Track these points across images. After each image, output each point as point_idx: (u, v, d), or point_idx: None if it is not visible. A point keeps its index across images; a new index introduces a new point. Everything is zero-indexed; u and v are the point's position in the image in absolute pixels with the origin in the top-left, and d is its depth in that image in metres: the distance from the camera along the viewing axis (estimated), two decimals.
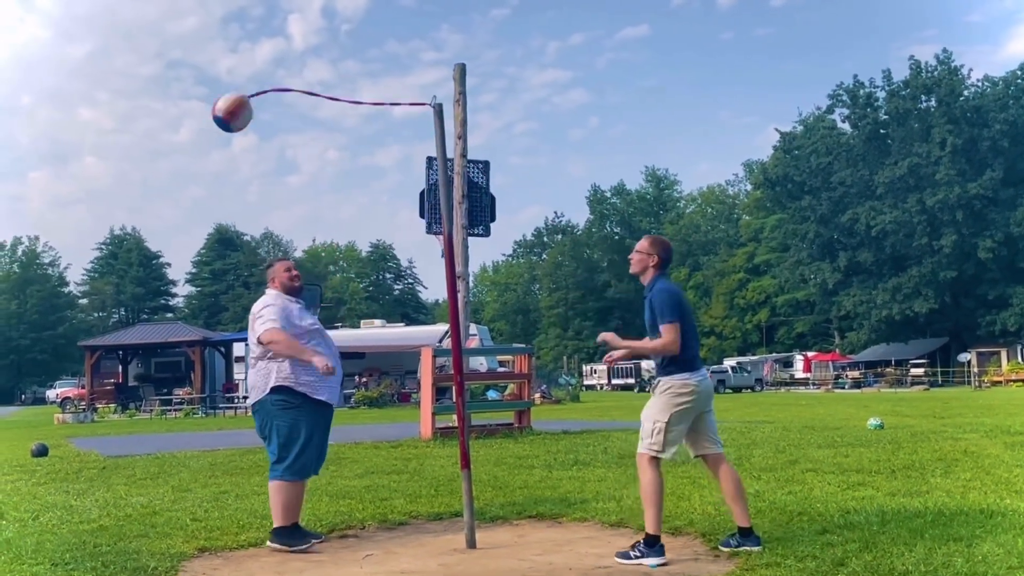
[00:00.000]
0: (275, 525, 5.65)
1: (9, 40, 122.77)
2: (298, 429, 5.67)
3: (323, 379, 5.69)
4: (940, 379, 51.48)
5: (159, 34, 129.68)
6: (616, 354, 5.60)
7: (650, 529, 5.03)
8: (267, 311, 5.71)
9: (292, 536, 5.60)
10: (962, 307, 55.98)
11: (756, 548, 5.00)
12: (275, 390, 5.67)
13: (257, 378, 5.77)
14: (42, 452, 12.66)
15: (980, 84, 55.60)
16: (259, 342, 5.67)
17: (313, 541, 5.67)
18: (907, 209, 52.71)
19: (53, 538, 5.88)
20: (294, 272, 5.96)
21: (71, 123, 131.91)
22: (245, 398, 33.39)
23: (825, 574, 4.40)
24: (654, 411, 5.15)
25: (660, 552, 4.97)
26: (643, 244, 5.37)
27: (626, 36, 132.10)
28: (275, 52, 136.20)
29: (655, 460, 5.10)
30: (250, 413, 6.20)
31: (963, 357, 51.21)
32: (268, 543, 5.63)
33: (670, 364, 5.16)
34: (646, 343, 5.28)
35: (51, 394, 61.42)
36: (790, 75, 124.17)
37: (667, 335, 5.09)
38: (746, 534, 5.09)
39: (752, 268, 76.73)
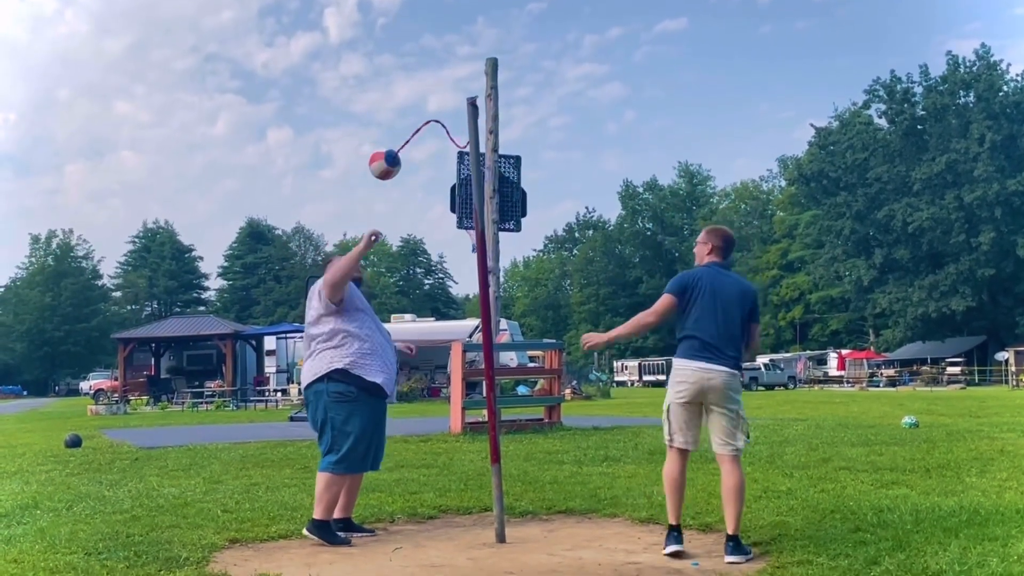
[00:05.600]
0: (315, 516, 5.62)
1: (49, 34, 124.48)
2: (352, 423, 5.64)
3: (379, 363, 5.68)
4: (977, 378, 50.85)
5: (196, 28, 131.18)
6: (595, 340, 5.38)
7: (669, 518, 5.09)
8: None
9: (329, 532, 5.61)
10: (1000, 305, 55.22)
11: (737, 558, 4.82)
12: (331, 377, 5.62)
13: (313, 364, 5.73)
14: (75, 443, 12.81)
15: (1020, 79, 54.80)
16: (326, 284, 5.64)
17: (358, 536, 5.74)
18: (944, 206, 52.05)
19: (86, 528, 5.93)
20: (361, 266, 6.06)
21: (108, 117, 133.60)
22: (276, 391, 33.83)
23: (858, 573, 4.34)
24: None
25: (675, 540, 5.01)
26: (700, 235, 5.39)
27: (664, 29, 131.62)
28: (311, 46, 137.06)
29: (675, 450, 5.14)
30: (301, 398, 6.24)
31: (1000, 356, 50.45)
32: (304, 531, 5.63)
33: (677, 344, 5.18)
34: (629, 322, 5.32)
35: (84, 386, 62.18)
36: (830, 69, 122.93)
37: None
38: (734, 542, 4.92)
39: (786, 265, 76.19)
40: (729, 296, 5.11)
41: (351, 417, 5.64)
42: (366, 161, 5.87)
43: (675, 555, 4.95)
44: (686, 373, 5.06)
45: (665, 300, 5.18)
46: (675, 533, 5.03)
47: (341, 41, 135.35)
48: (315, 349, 5.73)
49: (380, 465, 6.04)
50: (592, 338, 5.37)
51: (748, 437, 5.16)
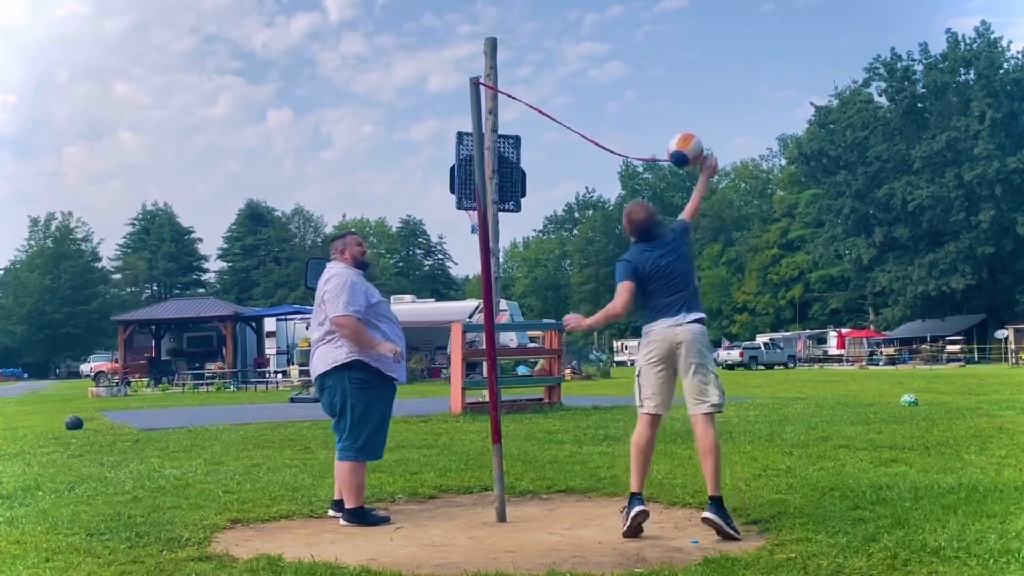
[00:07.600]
0: (348, 506, 5.61)
1: (48, 16, 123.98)
2: (372, 410, 5.67)
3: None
4: (976, 356, 50.92)
5: (195, 8, 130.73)
6: (576, 322, 5.46)
7: (632, 486, 5.08)
8: (348, 288, 5.61)
9: (365, 516, 5.62)
10: (1000, 283, 55.27)
11: (714, 516, 4.80)
12: (350, 365, 5.61)
13: (330, 351, 5.68)
14: (76, 425, 12.84)
15: (1020, 56, 54.61)
16: (332, 322, 5.60)
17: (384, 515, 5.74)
18: (944, 184, 51.99)
19: (88, 509, 5.96)
20: (364, 247, 6.00)
21: (107, 98, 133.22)
22: (276, 372, 33.87)
23: (857, 550, 4.35)
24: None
25: (639, 502, 4.99)
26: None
27: (665, 8, 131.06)
28: (310, 26, 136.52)
29: (647, 416, 5.15)
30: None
31: (1000, 334, 50.48)
32: (342, 522, 5.61)
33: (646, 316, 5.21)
34: (603, 311, 5.30)
35: (85, 368, 62.25)
36: (831, 48, 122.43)
37: (614, 297, 5.19)
38: (716, 503, 4.90)
39: (786, 244, 76.13)
40: (668, 251, 5.18)
41: (371, 404, 5.68)
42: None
43: (640, 515, 4.91)
44: (653, 333, 5.12)
45: (626, 288, 5.14)
46: (638, 497, 5.00)
47: (341, 21, 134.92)
48: (333, 336, 5.68)
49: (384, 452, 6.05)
50: (574, 319, 5.42)
51: (722, 393, 5.11)
